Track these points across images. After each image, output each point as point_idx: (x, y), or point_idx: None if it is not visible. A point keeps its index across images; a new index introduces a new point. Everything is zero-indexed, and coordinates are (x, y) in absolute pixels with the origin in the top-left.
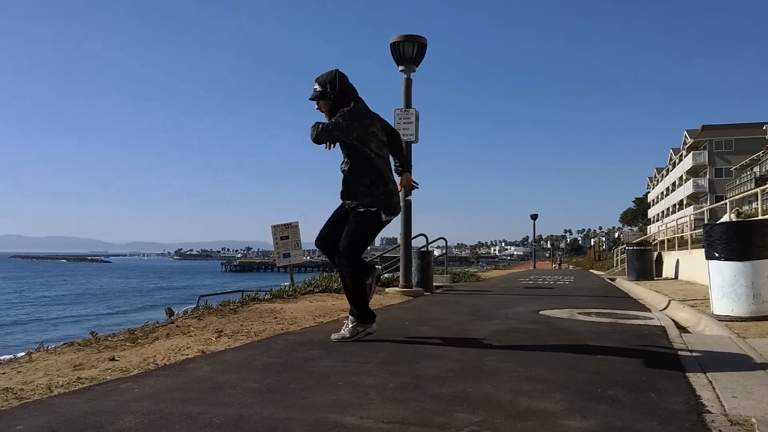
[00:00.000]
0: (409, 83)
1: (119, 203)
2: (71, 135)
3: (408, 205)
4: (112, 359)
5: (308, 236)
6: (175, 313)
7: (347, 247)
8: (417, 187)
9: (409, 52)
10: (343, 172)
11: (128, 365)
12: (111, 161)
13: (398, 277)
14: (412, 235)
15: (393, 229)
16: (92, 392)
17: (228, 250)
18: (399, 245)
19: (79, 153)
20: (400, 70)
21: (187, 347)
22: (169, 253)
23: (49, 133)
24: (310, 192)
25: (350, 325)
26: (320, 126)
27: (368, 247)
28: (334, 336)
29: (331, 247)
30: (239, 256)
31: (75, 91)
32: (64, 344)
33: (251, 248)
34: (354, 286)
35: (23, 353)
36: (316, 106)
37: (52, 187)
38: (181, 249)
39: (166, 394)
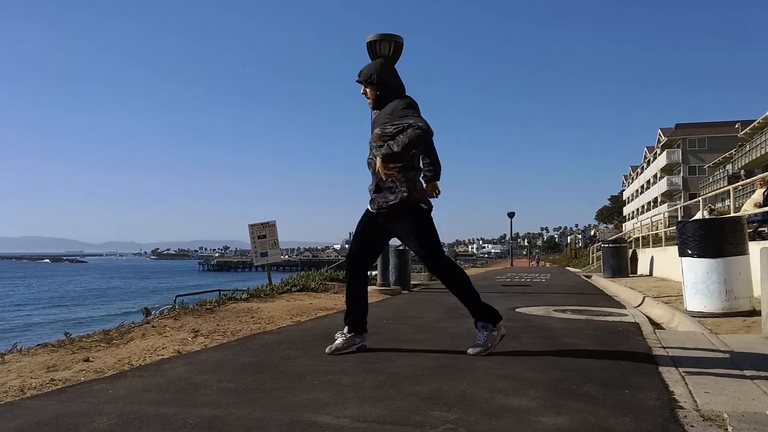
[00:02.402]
0: None
1: (95, 202)
2: (46, 133)
3: None
4: (87, 360)
5: (285, 235)
6: (152, 313)
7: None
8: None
9: (385, 51)
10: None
11: (103, 366)
12: (85, 160)
13: (376, 275)
14: None
15: None
16: (65, 394)
17: (205, 249)
18: None
19: (53, 151)
20: None
21: (163, 347)
22: (145, 252)
23: (21, 130)
24: (287, 191)
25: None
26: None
27: (346, 246)
28: (471, 351)
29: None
30: (217, 255)
31: (51, 89)
32: (38, 345)
33: (228, 247)
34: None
35: None
36: (362, 91)
37: (26, 186)
38: (158, 248)
39: (141, 395)
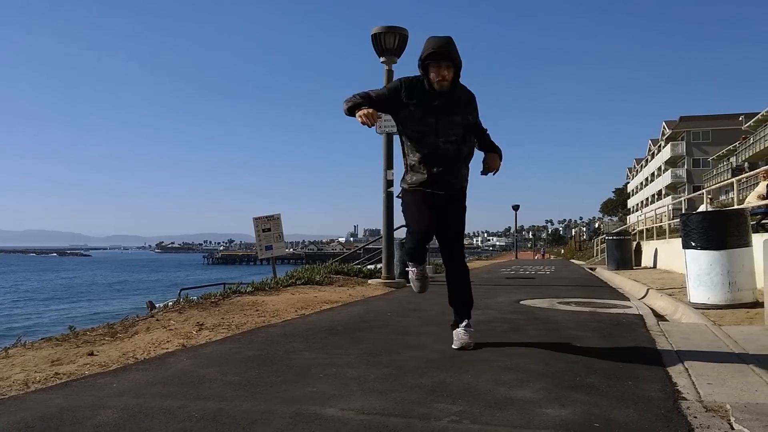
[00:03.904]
0: (390, 75)
1: (98, 196)
2: (50, 127)
3: (390, 196)
4: (91, 354)
5: (290, 228)
6: (156, 306)
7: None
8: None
9: (390, 43)
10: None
11: (107, 360)
12: (89, 153)
13: (380, 268)
14: (395, 227)
15: (375, 220)
16: (70, 388)
17: (210, 242)
18: (381, 237)
19: (57, 145)
20: (382, 62)
21: (168, 341)
22: (150, 246)
23: (26, 125)
24: (292, 184)
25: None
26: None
27: (351, 239)
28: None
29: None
30: (221, 248)
31: (56, 85)
32: (42, 339)
33: (233, 240)
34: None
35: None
36: (439, 72)
37: (30, 179)
38: (163, 242)
39: (146, 389)
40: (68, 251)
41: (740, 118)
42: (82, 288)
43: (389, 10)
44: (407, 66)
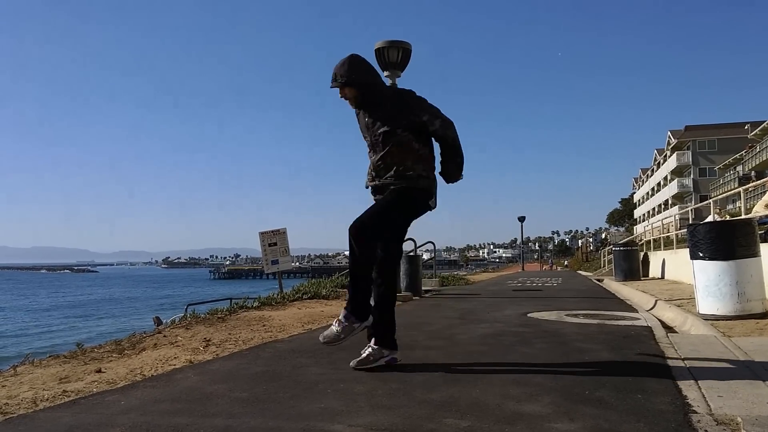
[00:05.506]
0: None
1: (104, 212)
2: (55, 142)
3: None
4: (99, 371)
5: (296, 242)
6: (163, 322)
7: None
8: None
9: (393, 57)
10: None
11: (115, 377)
12: (95, 169)
13: None
14: None
15: None
16: (78, 405)
17: (216, 257)
18: None
19: (63, 161)
20: (386, 76)
21: (175, 357)
22: (156, 261)
23: (31, 140)
24: (297, 197)
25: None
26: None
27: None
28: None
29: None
30: (227, 263)
31: (60, 97)
32: (50, 356)
33: (239, 255)
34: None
35: (8, 367)
36: (341, 95)
37: (36, 195)
38: (169, 257)
39: (153, 406)
40: (75, 267)
41: (746, 127)
42: (97, 305)
43: (395, 22)
44: (411, 79)
